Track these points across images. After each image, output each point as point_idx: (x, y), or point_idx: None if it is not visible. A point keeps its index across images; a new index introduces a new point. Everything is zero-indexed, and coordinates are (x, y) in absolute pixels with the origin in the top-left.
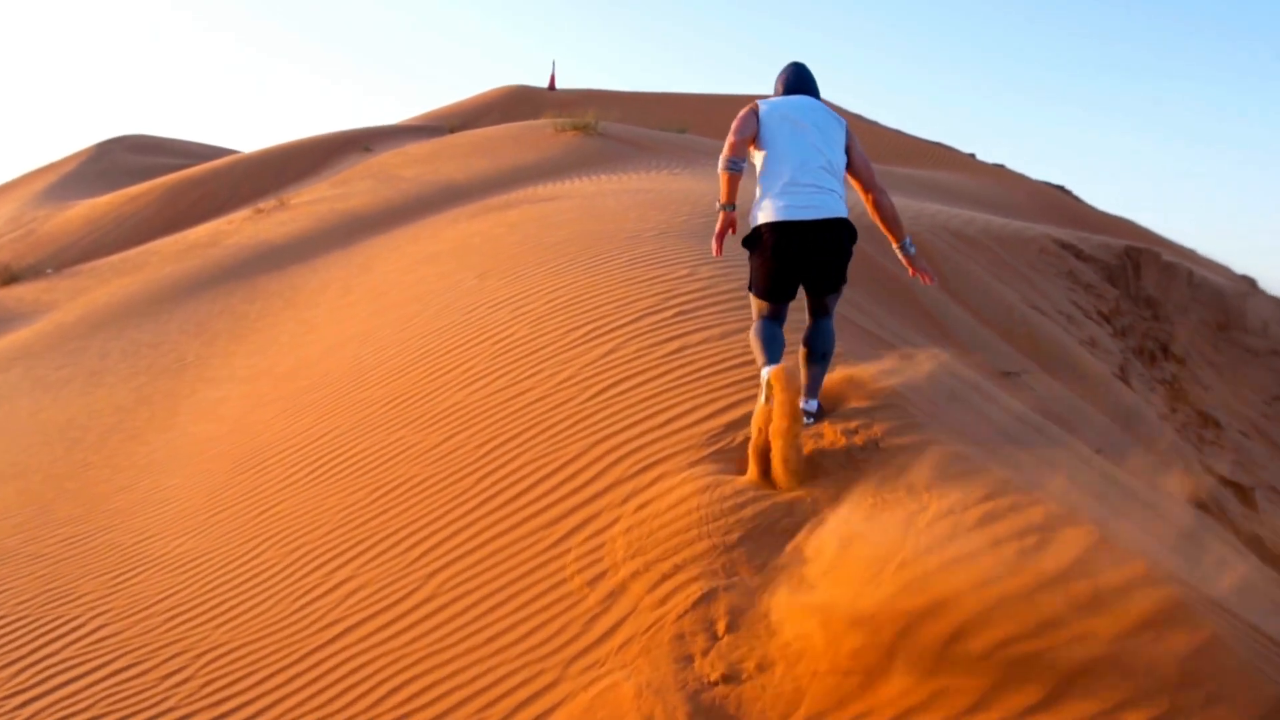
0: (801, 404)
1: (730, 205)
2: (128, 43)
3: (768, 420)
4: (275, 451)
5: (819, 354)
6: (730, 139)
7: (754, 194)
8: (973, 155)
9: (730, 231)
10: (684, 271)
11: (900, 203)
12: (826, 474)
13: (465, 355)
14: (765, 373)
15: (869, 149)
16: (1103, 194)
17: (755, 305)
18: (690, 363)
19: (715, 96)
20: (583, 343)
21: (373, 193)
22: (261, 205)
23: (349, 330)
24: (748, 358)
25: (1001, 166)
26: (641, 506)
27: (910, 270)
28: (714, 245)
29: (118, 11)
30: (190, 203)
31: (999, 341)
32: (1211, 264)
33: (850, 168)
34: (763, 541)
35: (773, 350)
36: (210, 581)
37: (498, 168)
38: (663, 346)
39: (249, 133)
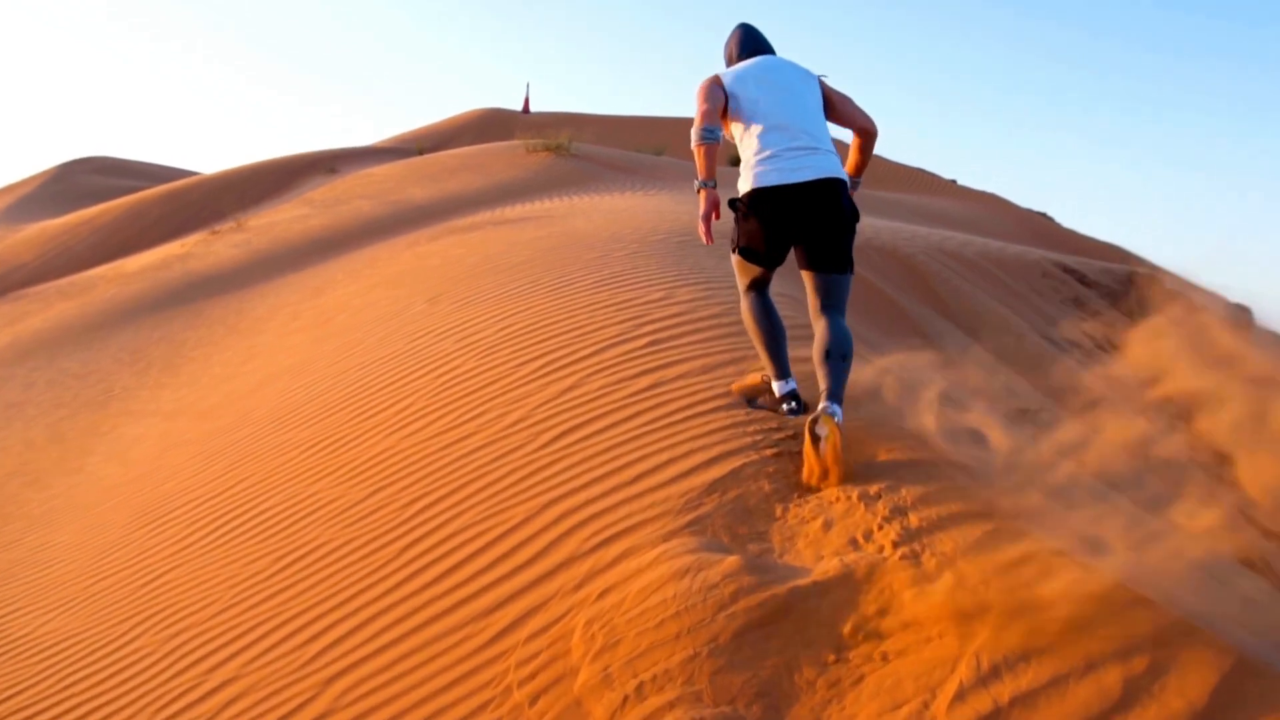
0: (824, 406)
1: (712, 181)
2: (96, 63)
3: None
4: (177, 504)
5: (838, 355)
6: (701, 106)
7: (739, 172)
8: (954, 181)
9: (715, 215)
10: (658, 294)
11: (891, 225)
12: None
13: (403, 391)
14: (781, 388)
15: None
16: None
17: (741, 271)
18: (664, 403)
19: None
20: (537, 378)
21: (335, 215)
22: (218, 227)
23: (286, 361)
24: (733, 396)
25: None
26: (603, 594)
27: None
28: (701, 230)
29: (88, 31)
30: (147, 225)
31: (1010, 373)
32: (1204, 291)
33: (834, 113)
34: (763, 651)
35: (778, 350)
36: (69, 674)
37: (466, 189)
38: (632, 383)
39: (218, 156)
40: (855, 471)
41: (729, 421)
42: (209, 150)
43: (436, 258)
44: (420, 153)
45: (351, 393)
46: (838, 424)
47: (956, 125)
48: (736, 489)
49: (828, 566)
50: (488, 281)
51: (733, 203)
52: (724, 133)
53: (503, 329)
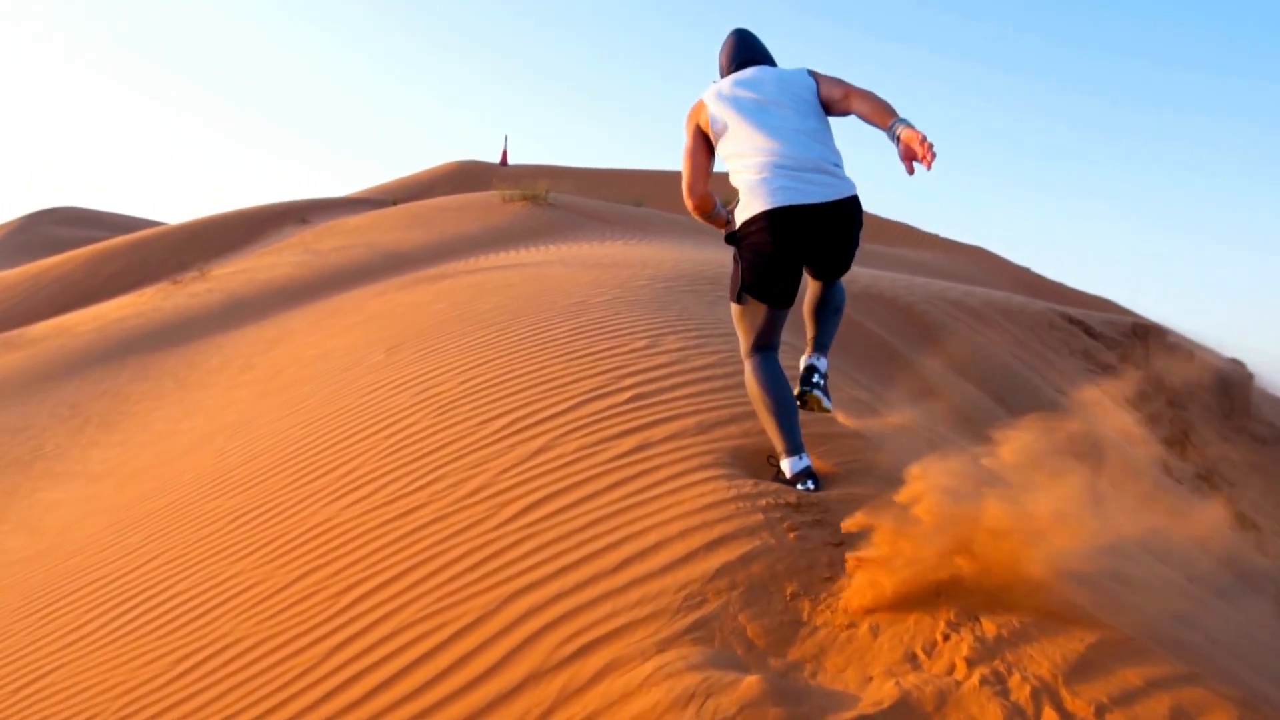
0: (809, 359)
1: (712, 217)
2: (68, 116)
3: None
4: (78, 584)
5: (832, 308)
6: (688, 200)
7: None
8: (935, 235)
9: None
10: (643, 342)
11: (887, 274)
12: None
13: (348, 452)
14: (793, 466)
15: None
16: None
17: (744, 322)
18: (653, 469)
19: (675, 173)
20: (502, 438)
21: (302, 264)
22: (180, 277)
23: (227, 417)
24: (734, 459)
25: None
26: None
27: (911, 154)
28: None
29: (57, 80)
30: (110, 275)
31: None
32: (1203, 347)
33: (830, 105)
34: None
35: (789, 423)
36: None
37: (439, 238)
38: (613, 444)
39: (190, 209)
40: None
41: (733, 492)
42: (181, 203)
43: (402, 306)
44: (394, 203)
45: (292, 453)
46: (827, 409)
47: (923, 179)
48: (748, 580)
49: (880, 693)
50: (452, 330)
51: (731, 237)
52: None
53: (465, 382)
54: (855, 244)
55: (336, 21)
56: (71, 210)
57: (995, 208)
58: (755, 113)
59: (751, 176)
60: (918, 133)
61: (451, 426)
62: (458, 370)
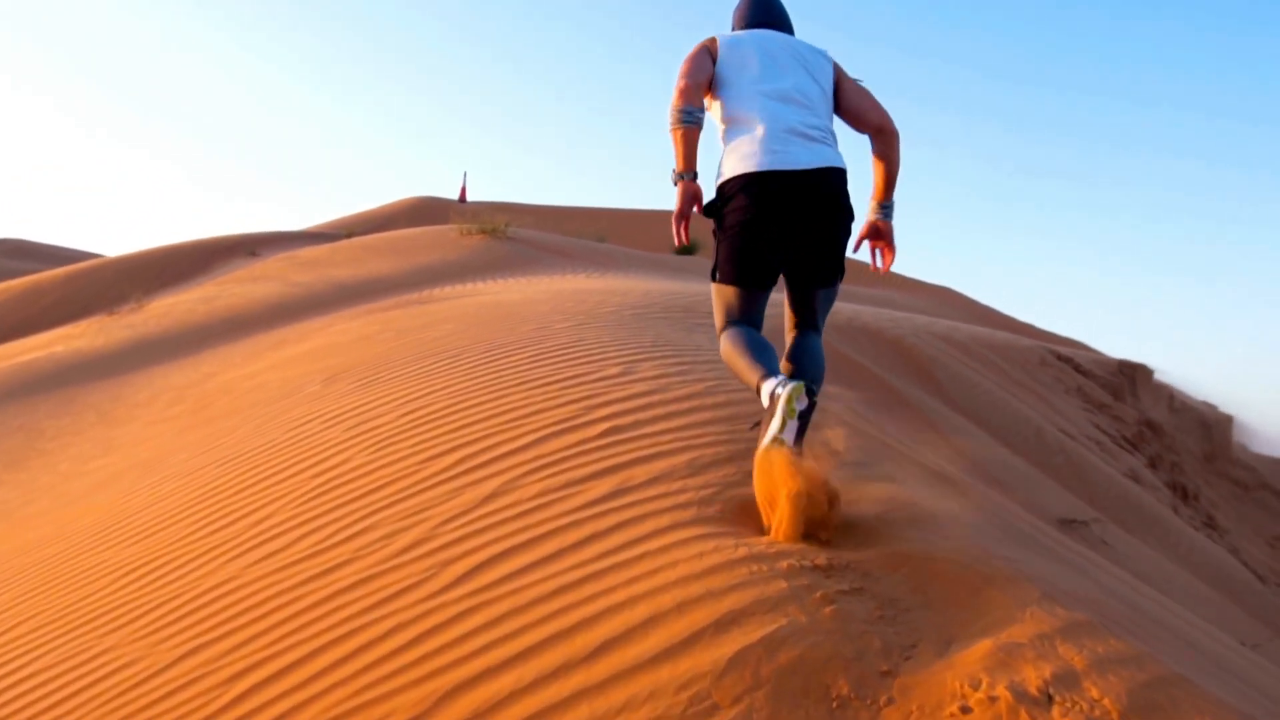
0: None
1: (690, 173)
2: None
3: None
4: None
5: (808, 380)
6: (680, 82)
7: (719, 158)
8: (899, 273)
9: (696, 208)
10: (615, 369)
11: (868, 307)
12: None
13: (266, 495)
14: (773, 388)
15: None
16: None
17: (722, 302)
18: (637, 518)
19: (637, 211)
20: (447, 479)
21: (248, 296)
22: (118, 309)
23: (141, 454)
24: (738, 509)
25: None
26: None
27: (872, 242)
28: (674, 229)
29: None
30: (46, 306)
31: (1039, 475)
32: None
33: (844, 107)
34: None
35: (766, 355)
36: None
37: (394, 270)
38: (585, 488)
39: (136, 243)
40: (998, 652)
41: (743, 551)
42: (125, 237)
43: (348, 336)
44: (349, 236)
45: (202, 495)
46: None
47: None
48: (775, 675)
49: None
50: (397, 359)
51: (711, 206)
52: (705, 116)
53: (408, 414)
54: (845, 230)
55: (289, 55)
56: (18, 243)
57: (948, 247)
58: (764, 67)
59: (736, 134)
60: (893, 234)
61: (389, 465)
62: (400, 401)
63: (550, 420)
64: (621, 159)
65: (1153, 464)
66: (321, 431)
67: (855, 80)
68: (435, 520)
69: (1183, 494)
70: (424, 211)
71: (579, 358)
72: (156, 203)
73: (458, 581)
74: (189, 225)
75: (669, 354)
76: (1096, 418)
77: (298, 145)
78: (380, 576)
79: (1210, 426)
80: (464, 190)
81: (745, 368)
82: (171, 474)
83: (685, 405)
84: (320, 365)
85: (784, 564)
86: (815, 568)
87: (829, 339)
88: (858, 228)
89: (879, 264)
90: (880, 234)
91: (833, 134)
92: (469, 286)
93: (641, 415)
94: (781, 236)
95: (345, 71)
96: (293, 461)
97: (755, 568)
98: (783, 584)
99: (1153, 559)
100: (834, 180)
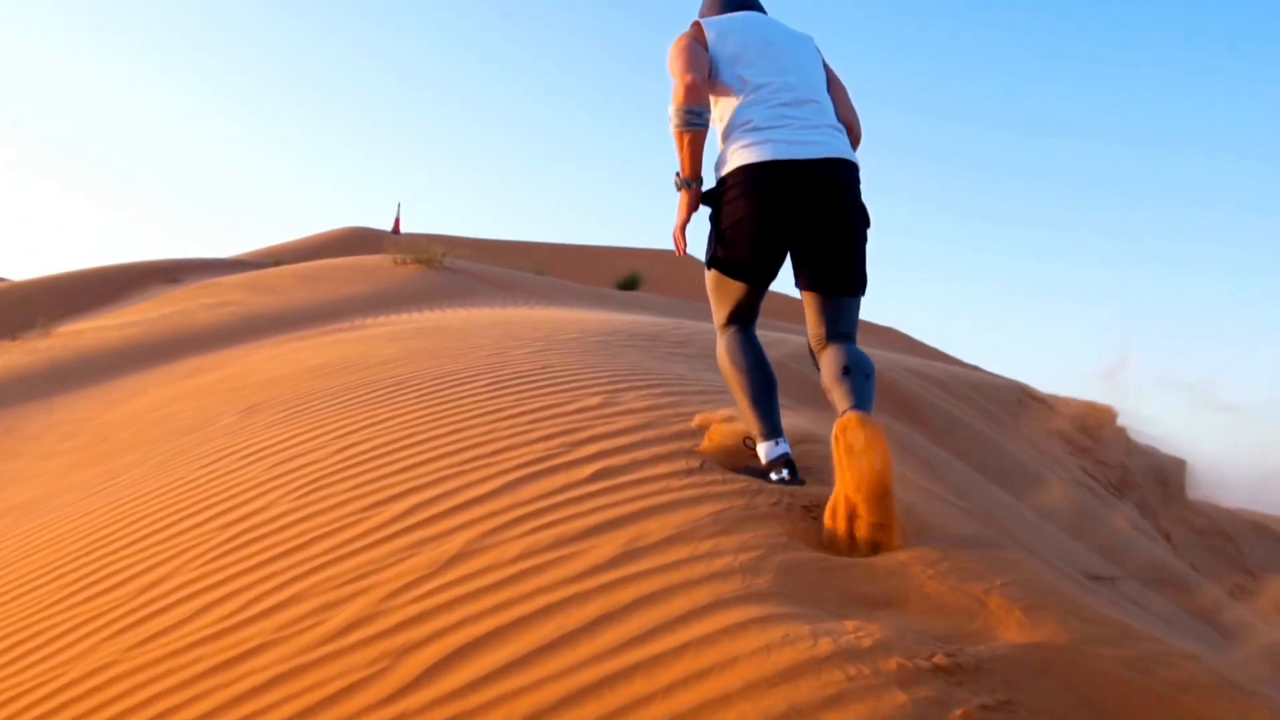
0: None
1: (697, 180)
2: None
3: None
4: None
5: (860, 373)
6: (683, 76)
7: (720, 151)
8: None
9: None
10: (595, 399)
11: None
12: None
13: (163, 550)
14: (769, 451)
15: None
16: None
17: (721, 292)
18: (660, 593)
19: (575, 246)
20: (398, 532)
21: (164, 323)
22: (24, 334)
23: (24, 494)
24: (798, 578)
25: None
26: None
27: None
28: (675, 238)
29: None
30: None
31: (1049, 526)
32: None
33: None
34: None
35: (768, 401)
36: None
37: (323, 298)
38: (582, 549)
39: (45, 268)
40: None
41: (826, 644)
42: (35, 262)
43: (271, 363)
44: (276, 264)
45: (85, 548)
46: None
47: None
48: None
49: None
50: (330, 385)
51: (709, 196)
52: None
53: (344, 450)
54: (858, 228)
55: (209, 87)
56: None
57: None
58: (759, 53)
59: (736, 125)
60: None
61: (321, 513)
62: (334, 435)
63: (524, 458)
64: (559, 194)
65: (1140, 510)
66: (237, 470)
67: (836, 75)
68: (384, 589)
69: (1168, 538)
70: (355, 242)
71: (547, 386)
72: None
73: (418, 681)
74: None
75: (652, 382)
76: (1082, 461)
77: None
78: (310, 670)
79: (1166, 472)
80: (397, 221)
81: (746, 406)
82: (53, 519)
83: (688, 443)
84: (238, 394)
85: (890, 663)
86: (937, 669)
87: (789, 364)
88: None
89: None
90: None
91: (840, 125)
92: (405, 315)
93: (638, 454)
94: (787, 230)
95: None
96: (200, 507)
97: (852, 669)
98: (899, 696)
99: (1176, 616)
100: (846, 171)
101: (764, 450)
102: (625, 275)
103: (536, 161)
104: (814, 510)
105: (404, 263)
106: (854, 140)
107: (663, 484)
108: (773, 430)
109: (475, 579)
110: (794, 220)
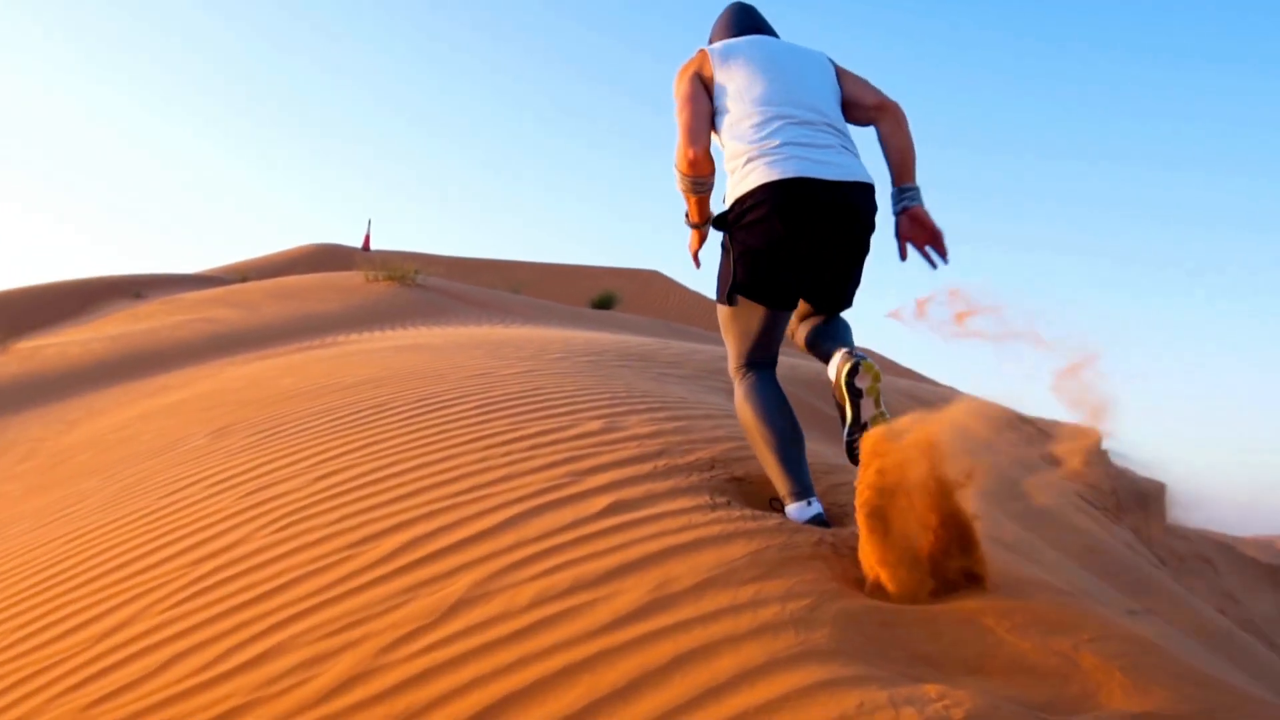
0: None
1: (705, 224)
2: None
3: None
4: None
5: (841, 325)
6: (687, 152)
7: (730, 180)
8: None
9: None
10: (595, 423)
11: (802, 360)
12: None
13: (124, 590)
14: (800, 513)
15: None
16: None
17: (739, 328)
18: (699, 647)
19: (551, 265)
20: (391, 573)
21: (127, 339)
22: None
23: None
24: (862, 633)
25: None
26: None
27: (918, 238)
28: (692, 256)
29: None
30: None
31: (1060, 557)
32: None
33: (853, 104)
34: None
35: (796, 459)
36: None
37: (293, 315)
38: (604, 595)
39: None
40: None
41: (910, 715)
42: None
43: (241, 381)
44: (243, 280)
45: (34, 587)
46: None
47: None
48: None
49: None
50: (308, 405)
51: (722, 221)
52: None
53: (323, 478)
54: (866, 251)
55: (175, 106)
56: None
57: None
58: (772, 73)
59: (750, 146)
60: (930, 217)
61: (301, 550)
62: (312, 461)
63: (525, 490)
64: (534, 214)
65: (1136, 536)
66: (207, 498)
67: (856, 75)
68: (378, 641)
69: (1168, 568)
70: (325, 258)
71: (542, 410)
72: (26, 247)
73: None
74: (63, 268)
75: (654, 405)
76: (1076, 486)
77: (184, 194)
78: None
79: (1145, 494)
80: (368, 238)
81: (770, 464)
82: (2, 552)
83: (706, 475)
84: (207, 414)
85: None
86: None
87: (800, 395)
88: (886, 231)
89: (935, 260)
90: (921, 224)
91: (854, 147)
92: (379, 333)
93: (653, 485)
94: (810, 252)
95: (237, 117)
96: (167, 540)
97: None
98: None
99: (1213, 661)
100: (866, 197)
101: (794, 512)
102: (600, 294)
103: (506, 181)
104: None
105: (377, 280)
106: (893, 116)
107: (685, 519)
108: (803, 490)
109: (483, 630)
110: (813, 239)
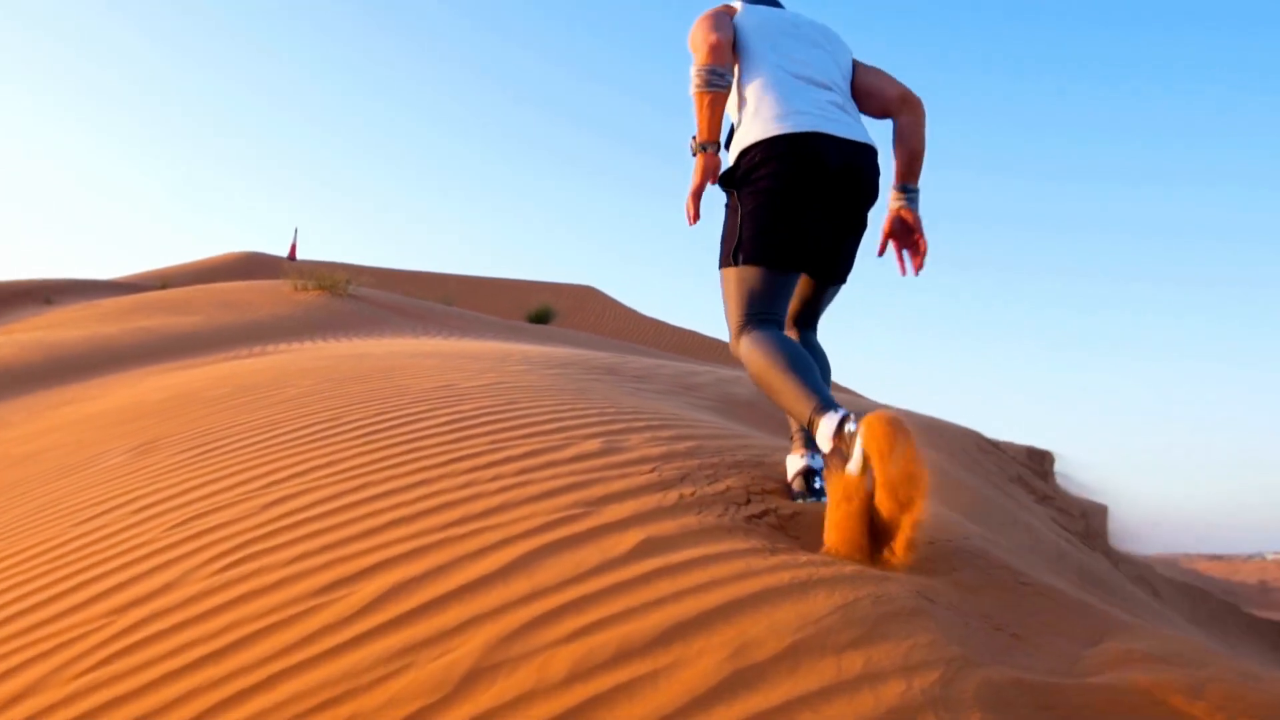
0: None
1: (714, 144)
2: None
3: (858, 492)
4: None
5: (828, 374)
6: (708, 37)
7: (736, 126)
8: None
9: (712, 181)
10: (592, 443)
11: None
12: None
13: (28, 646)
14: (829, 424)
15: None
16: None
17: (744, 290)
18: (764, 709)
19: (482, 278)
20: (373, 629)
21: (34, 347)
22: None
23: None
24: (985, 703)
25: None
26: None
27: (898, 241)
28: (688, 206)
29: None
30: None
31: (1053, 578)
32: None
33: (861, 89)
34: None
35: (811, 377)
36: None
37: (218, 324)
38: (656, 673)
39: None
40: None
41: None
42: None
43: (167, 392)
44: (164, 287)
45: None
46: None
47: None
48: None
49: None
50: (245, 418)
51: (728, 176)
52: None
53: (275, 503)
54: (864, 227)
55: (81, 116)
56: None
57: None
58: (789, 39)
59: (763, 105)
60: (922, 226)
61: (250, 597)
62: (259, 482)
63: (529, 523)
64: (464, 226)
65: (1109, 558)
66: (131, 528)
67: (874, 66)
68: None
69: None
70: (251, 266)
71: (525, 427)
72: None
73: None
74: None
75: (654, 423)
76: (1048, 510)
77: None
78: None
79: (1088, 516)
80: (294, 247)
81: (790, 390)
82: None
83: (747, 508)
84: (126, 427)
85: None
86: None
87: (765, 405)
88: (876, 226)
89: (909, 267)
90: (909, 227)
91: (859, 116)
92: (315, 343)
93: (687, 520)
94: (820, 210)
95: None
96: (82, 580)
97: None
98: None
99: None
100: (873, 161)
101: (828, 425)
102: (537, 308)
103: (431, 193)
104: (957, 604)
105: (305, 288)
106: (914, 112)
107: (742, 564)
108: (827, 401)
109: (512, 714)
110: (822, 198)
